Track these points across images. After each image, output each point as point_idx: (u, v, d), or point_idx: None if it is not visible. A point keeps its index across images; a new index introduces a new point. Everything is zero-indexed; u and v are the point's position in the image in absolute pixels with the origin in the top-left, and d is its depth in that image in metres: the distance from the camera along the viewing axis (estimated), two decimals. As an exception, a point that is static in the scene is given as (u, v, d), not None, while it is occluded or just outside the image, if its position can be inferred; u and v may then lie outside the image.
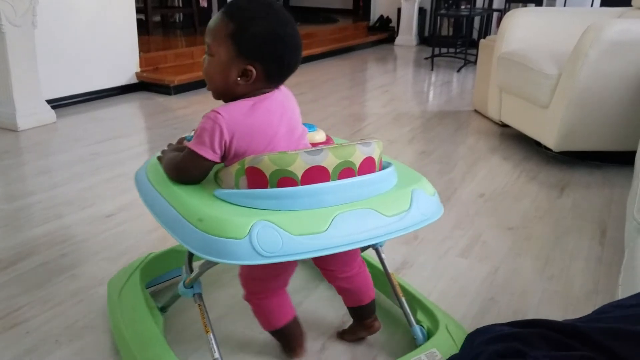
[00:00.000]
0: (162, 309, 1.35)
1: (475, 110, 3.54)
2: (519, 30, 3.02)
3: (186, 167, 1.09)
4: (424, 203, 1.09)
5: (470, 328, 1.38)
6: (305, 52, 5.05)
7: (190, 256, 1.19)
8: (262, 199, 0.99)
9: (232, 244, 0.92)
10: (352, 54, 5.82)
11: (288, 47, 1.09)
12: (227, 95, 1.11)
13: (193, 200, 1.02)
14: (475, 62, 4.84)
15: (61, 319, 1.38)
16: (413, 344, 1.28)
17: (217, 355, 1.11)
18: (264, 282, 1.21)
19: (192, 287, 1.16)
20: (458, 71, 4.97)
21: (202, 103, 3.63)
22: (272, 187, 0.99)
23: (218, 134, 1.04)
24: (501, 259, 1.74)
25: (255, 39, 1.06)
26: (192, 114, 3.39)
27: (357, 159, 1.05)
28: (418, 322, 1.31)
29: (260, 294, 1.21)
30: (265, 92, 1.10)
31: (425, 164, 2.57)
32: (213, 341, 1.11)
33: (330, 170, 1.01)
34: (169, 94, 3.80)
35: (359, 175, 1.05)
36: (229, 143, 1.06)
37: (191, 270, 1.18)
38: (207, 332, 1.12)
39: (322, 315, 1.43)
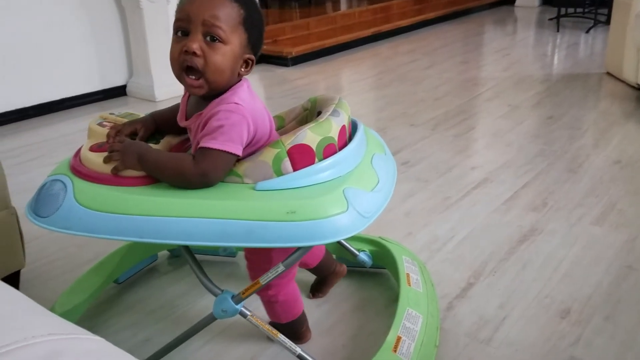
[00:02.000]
0: None
1: (608, 73, 3.30)
2: (662, -17, 2.76)
3: (216, 170, 0.94)
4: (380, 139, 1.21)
5: (605, 297, 1.34)
6: (418, 18, 4.92)
7: (202, 271, 1.06)
8: (326, 171, 0.97)
9: (341, 219, 0.91)
10: (468, 18, 5.60)
11: None
12: (220, 89, 0.98)
13: (257, 202, 0.93)
14: (606, 22, 4.48)
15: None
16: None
17: (299, 351, 1.06)
18: (293, 267, 1.09)
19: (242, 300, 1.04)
20: (587, 32, 4.63)
21: (319, 73, 3.71)
22: (318, 157, 0.98)
23: (246, 126, 0.95)
24: (640, 227, 1.65)
25: (259, 27, 0.99)
26: (309, 84, 3.48)
27: (349, 112, 1.10)
28: (359, 250, 1.41)
29: (284, 281, 1.12)
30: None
31: (553, 130, 2.46)
32: (286, 340, 1.06)
33: (346, 127, 1.06)
34: (287, 65, 3.92)
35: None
36: (253, 133, 0.97)
37: (211, 283, 1.05)
38: (276, 335, 1.06)
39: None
